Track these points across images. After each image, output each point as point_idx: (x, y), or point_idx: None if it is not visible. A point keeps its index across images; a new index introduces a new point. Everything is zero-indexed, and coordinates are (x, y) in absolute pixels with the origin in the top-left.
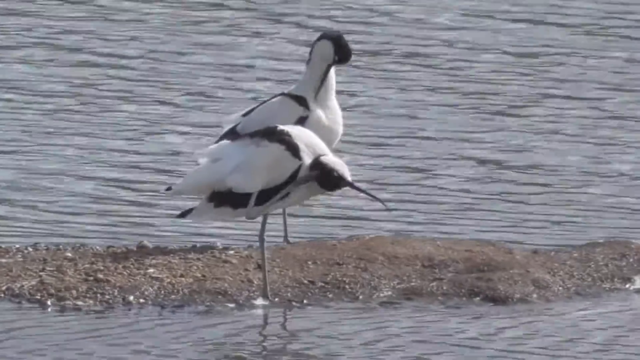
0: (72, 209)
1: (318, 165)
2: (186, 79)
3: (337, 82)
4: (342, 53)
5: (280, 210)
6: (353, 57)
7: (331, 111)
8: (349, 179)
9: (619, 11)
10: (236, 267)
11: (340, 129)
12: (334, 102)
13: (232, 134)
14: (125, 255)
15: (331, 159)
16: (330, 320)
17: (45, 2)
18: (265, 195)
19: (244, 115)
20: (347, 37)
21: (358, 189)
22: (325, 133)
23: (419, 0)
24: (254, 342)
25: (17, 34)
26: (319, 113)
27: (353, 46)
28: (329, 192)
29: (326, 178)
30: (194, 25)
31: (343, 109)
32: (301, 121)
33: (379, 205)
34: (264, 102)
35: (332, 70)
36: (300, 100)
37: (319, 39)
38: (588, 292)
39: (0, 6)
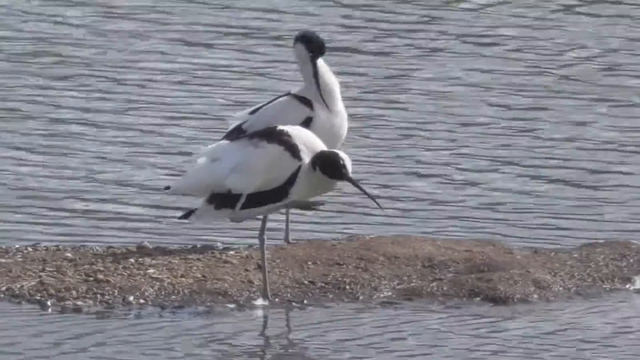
0: (72, 209)
1: (322, 153)
2: (187, 78)
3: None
4: (313, 48)
5: (281, 211)
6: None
7: (337, 113)
8: (350, 173)
9: None
10: (236, 267)
11: (345, 131)
12: (340, 104)
13: (238, 132)
14: (125, 255)
15: (336, 150)
16: (330, 321)
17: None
18: (259, 198)
19: (252, 113)
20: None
21: (356, 184)
22: (330, 134)
23: None
24: (254, 343)
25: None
26: (325, 114)
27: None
28: (328, 189)
29: (331, 165)
30: (199, 26)
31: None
32: (308, 121)
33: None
34: (271, 101)
35: (334, 78)
36: (306, 102)
37: (293, 44)
38: (588, 293)
39: None
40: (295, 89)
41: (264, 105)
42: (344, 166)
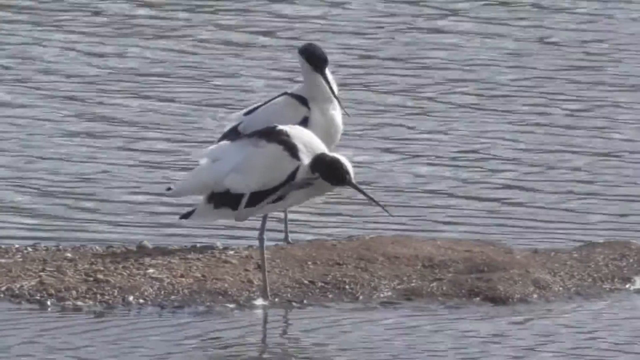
0: (71, 209)
1: (323, 158)
2: (187, 79)
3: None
4: (314, 61)
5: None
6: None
7: (331, 111)
8: (353, 179)
9: None
10: (236, 267)
11: (340, 130)
12: (334, 103)
13: (234, 133)
14: (125, 255)
15: (337, 154)
16: (330, 320)
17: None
18: (260, 197)
19: (246, 114)
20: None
21: (360, 190)
22: (325, 133)
23: None
24: (254, 343)
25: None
26: (320, 114)
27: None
28: (329, 192)
29: (333, 171)
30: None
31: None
32: (305, 121)
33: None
34: (267, 101)
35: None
36: (303, 101)
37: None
38: (588, 292)
39: None
40: (292, 88)
41: (259, 106)
42: (347, 172)
